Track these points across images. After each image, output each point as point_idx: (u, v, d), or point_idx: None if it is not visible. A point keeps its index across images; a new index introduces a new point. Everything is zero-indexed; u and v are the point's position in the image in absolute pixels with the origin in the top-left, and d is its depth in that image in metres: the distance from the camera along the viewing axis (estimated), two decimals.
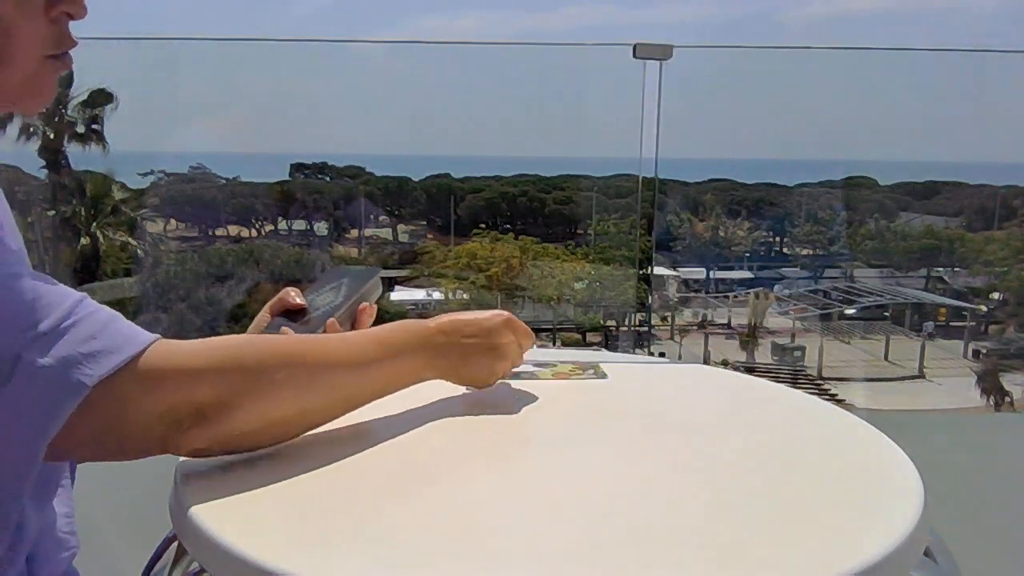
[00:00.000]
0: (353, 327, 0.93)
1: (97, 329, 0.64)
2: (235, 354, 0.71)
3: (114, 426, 0.66)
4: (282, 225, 30.65)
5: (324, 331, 0.89)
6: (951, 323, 25.46)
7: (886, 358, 23.99)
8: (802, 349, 23.76)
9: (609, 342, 22.38)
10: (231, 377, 0.69)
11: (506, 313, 0.89)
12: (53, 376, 0.61)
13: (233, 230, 29.36)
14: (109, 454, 0.69)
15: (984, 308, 25.11)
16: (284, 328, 0.89)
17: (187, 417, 0.67)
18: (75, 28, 0.71)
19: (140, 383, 0.65)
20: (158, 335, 0.68)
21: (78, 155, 20.08)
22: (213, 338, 0.73)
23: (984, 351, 23.37)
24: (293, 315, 0.92)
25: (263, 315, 0.93)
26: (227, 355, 0.70)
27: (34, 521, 0.72)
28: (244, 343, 0.74)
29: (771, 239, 32.09)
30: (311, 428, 0.75)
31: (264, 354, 0.72)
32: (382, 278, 0.99)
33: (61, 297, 0.65)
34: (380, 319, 0.91)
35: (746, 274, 29.64)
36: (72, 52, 0.72)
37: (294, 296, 0.93)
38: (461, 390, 0.92)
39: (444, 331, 0.84)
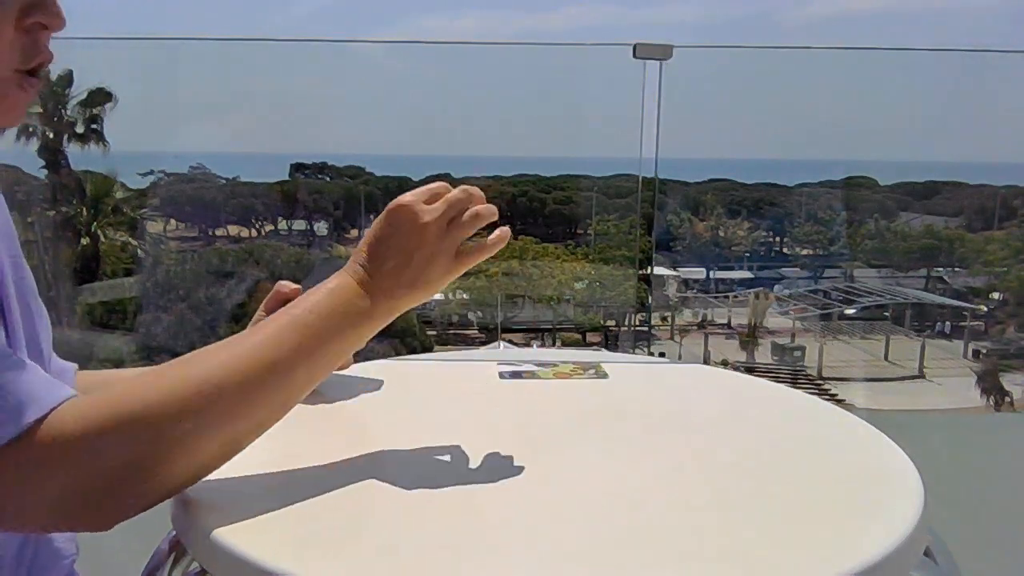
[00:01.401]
0: None
1: None
2: (139, 406, 0.62)
3: (10, 501, 0.59)
4: (282, 225, 30.68)
5: None
6: (951, 322, 25.49)
7: (886, 358, 24.01)
8: (802, 349, 23.77)
9: (609, 342, 22.38)
10: (139, 435, 0.61)
11: (394, 203, 0.75)
12: None
13: (233, 230, 29.38)
14: (12, 528, 0.64)
15: (984, 308, 25.12)
16: None
17: (92, 491, 0.60)
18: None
19: (35, 455, 0.58)
20: (68, 394, 0.61)
21: (78, 155, 20.10)
22: (120, 389, 0.64)
23: (984, 351, 23.38)
24: None
25: (259, 315, 0.90)
26: (132, 409, 0.62)
27: (12, 547, 0.71)
28: (148, 388, 0.64)
29: (771, 239, 32.12)
30: (253, 440, 0.68)
31: (170, 406, 0.63)
32: None
33: None
34: None
35: (746, 274, 29.67)
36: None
37: (289, 289, 0.89)
38: (458, 392, 0.91)
39: (362, 282, 0.73)
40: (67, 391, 0.61)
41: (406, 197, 0.75)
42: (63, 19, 0.66)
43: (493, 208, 0.79)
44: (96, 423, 0.60)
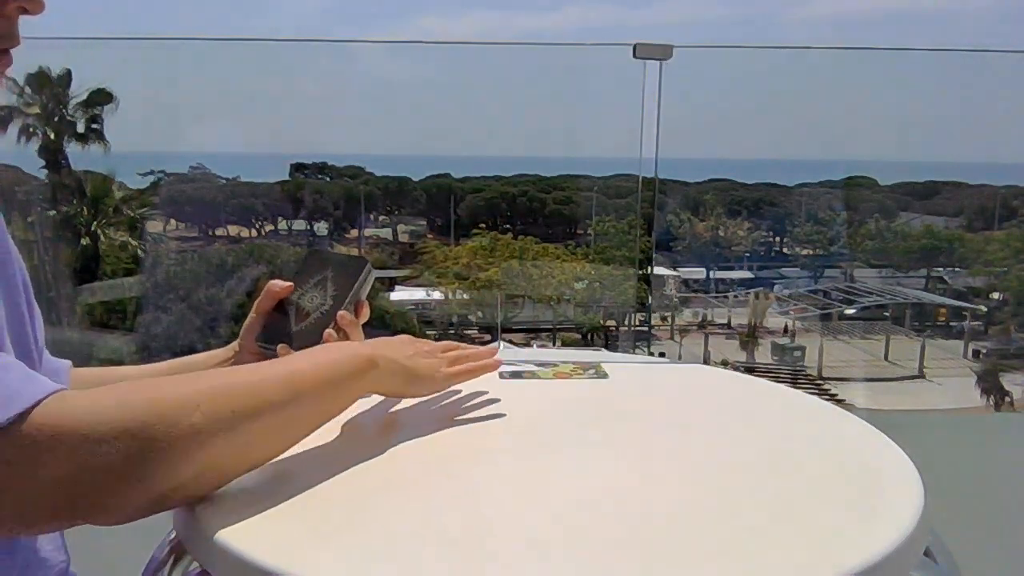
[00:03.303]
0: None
1: None
2: (146, 403, 0.62)
3: (7, 494, 0.58)
4: (282, 225, 30.67)
5: (323, 343, 0.85)
6: (951, 323, 25.48)
7: (886, 358, 23.99)
8: (802, 349, 23.76)
9: (609, 342, 22.39)
10: (141, 431, 0.60)
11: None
12: None
13: (233, 230, 29.37)
14: (13, 526, 0.62)
15: (984, 308, 25.11)
16: (282, 346, 0.86)
17: (94, 483, 0.59)
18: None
19: (25, 447, 0.57)
20: (58, 387, 0.60)
21: (78, 155, 20.09)
22: (121, 385, 0.66)
23: (984, 351, 23.37)
24: (285, 314, 0.88)
25: (252, 317, 0.89)
26: (136, 405, 0.62)
27: None
28: (155, 388, 0.66)
29: (771, 239, 32.11)
30: (251, 469, 0.69)
31: (179, 400, 0.64)
32: (382, 279, 0.96)
33: None
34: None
35: (746, 274, 29.66)
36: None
37: (280, 287, 0.88)
38: (458, 391, 0.91)
39: (377, 354, 0.80)
40: (57, 384, 0.61)
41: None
42: (42, 3, 0.67)
43: (488, 364, 0.92)
44: (103, 410, 0.60)
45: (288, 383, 0.71)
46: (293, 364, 0.75)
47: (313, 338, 0.86)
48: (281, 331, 0.87)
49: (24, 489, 0.58)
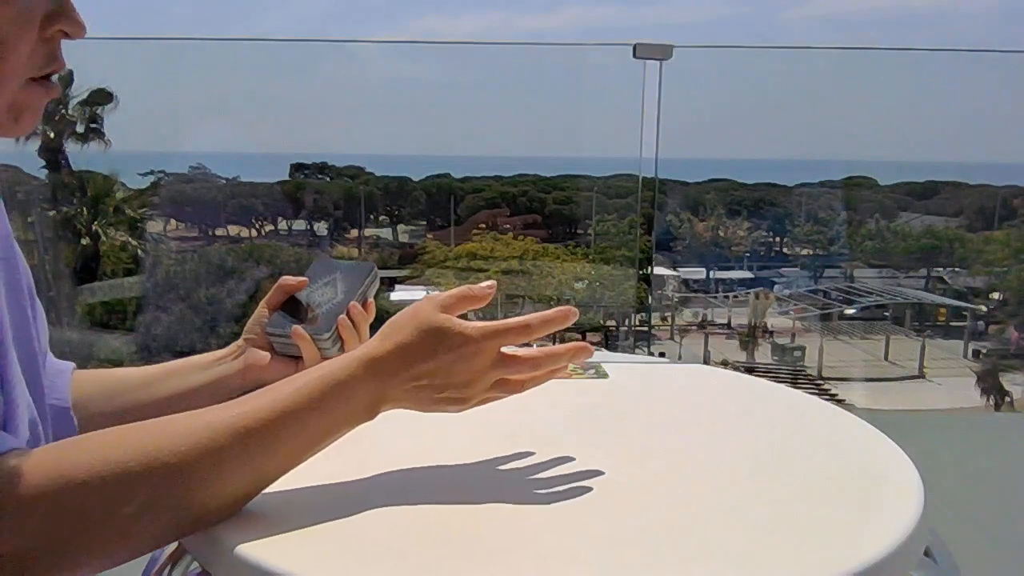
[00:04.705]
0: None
1: None
2: (81, 478, 0.56)
3: None
4: (282, 225, 30.68)
5: (336, 332, 0.87)
6: (951, 323, 25.48)
7: (886, 358, 24.00)
8: (802, 349, 23.77)
9: (609, 342, 22.39)
10: (58, 521, 0.55)
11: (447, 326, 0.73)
12: None
13: (233, 230, 29.38)
14: None
15: (984, 308, 25.11)
16: (296, 327, 0.87)
17: (14, 559, 0.55)
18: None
19: None
20: (6, 446, 0.56)
21: (78, 155, 20.08)
22: (69, 451, 0.59)
23: (984, 351, 23.37)
24: (295, 310, 0.89)
25: (261, 310, 0.90)
26: (72, 480, 0.56)
27: None
28: (96, 459, 0.57)
29: (771, 239, 32.12)
30: (213, 522, 0.62)
31: (117, 472, 0.57)
32: (382, 278, 0.97)
33: None
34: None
35: (746, 274, 29.67)
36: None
37: (294, 281, 0.89)
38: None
39: (380, 392, 0.69)
40: (5, 443, 0.57)
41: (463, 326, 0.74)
42: (84, 27, 0.66)
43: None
44: (28, 489, 0.55)
45: (259, 435, 0.63)
46: (273, 404, 0.64)
47: (325, 324, 0.87)
48: (292, 321, 0.88)
49: None
